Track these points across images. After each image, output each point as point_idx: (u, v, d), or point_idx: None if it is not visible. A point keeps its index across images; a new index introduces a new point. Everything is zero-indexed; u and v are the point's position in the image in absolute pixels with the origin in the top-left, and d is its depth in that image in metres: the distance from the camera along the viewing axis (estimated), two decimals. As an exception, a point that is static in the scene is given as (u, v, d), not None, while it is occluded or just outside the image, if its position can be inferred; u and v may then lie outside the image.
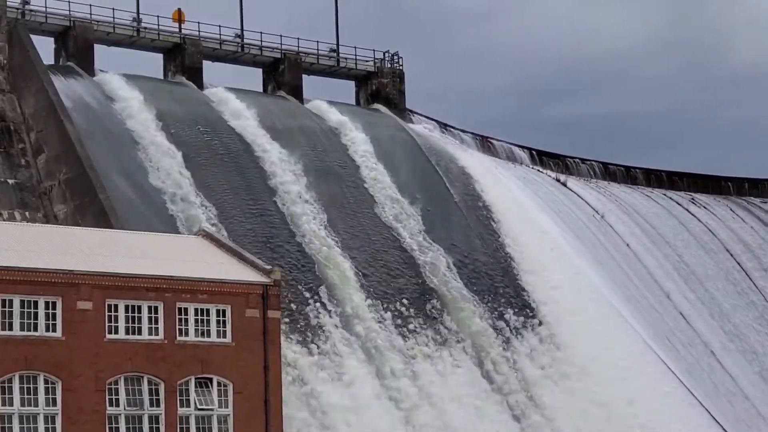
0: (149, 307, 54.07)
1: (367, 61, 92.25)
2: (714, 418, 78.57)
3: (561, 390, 74.12)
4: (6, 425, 50.35)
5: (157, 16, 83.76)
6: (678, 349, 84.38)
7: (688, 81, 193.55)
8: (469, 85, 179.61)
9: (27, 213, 68.09)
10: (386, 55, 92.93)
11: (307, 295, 70.38)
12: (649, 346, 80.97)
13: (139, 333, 53.76)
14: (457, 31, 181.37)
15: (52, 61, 78.79)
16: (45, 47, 78.39)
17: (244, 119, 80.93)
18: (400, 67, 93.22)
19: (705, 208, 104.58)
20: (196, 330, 55.03)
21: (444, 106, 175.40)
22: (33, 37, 76.31)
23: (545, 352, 76.00)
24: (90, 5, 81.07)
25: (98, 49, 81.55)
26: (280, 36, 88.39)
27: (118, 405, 52.74)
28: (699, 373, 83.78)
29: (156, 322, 54.12)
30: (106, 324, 53.00)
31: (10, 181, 69.20)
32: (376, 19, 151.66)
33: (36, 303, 51.71)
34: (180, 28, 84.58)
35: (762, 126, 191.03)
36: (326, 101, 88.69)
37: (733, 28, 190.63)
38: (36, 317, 51.64)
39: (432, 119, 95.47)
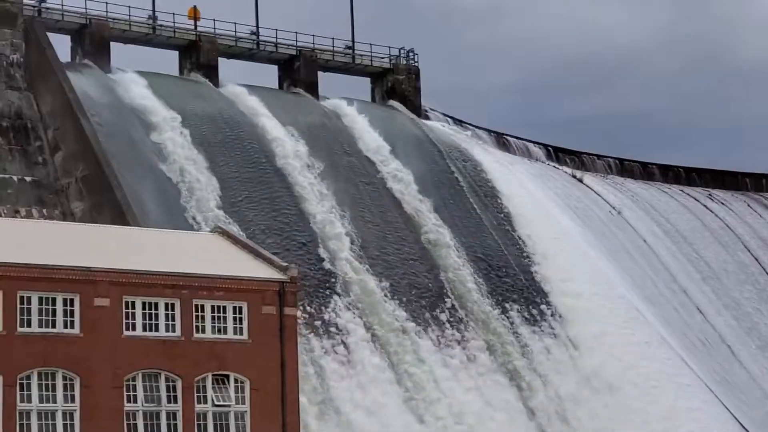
0: (166, 304, 54.19)
1: (382, 58, 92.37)
2: (729, 411, 78.77)
3: (571, 378, 74.35)
4: (24, 422, 50.60)
5: (173, 14, 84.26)
6: (695, 345, 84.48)
7: (695, 77, 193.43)
8: (476, 83, 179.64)
9: (44, 210, 68.34)
10: (401, 51, 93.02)
11: (324, 290, 70.63)
12: (666, 341, 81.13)
13: (156, 330, 53.91)
14: (464, 29, 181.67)
15: (68, 59, 79.01)
16: (61, 45, 78.81)
17: (259, 116, 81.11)
18: (416, 64, 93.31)
19: (722, 204, 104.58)
20: (213, 327, 55.14)
21: (452, 103, 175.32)
22: (49, 35, 76.58)
23: (560, 345, 76.16)
24: (106, 3, 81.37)
25: (114, 46, 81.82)
26: (296, 33, 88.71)
27: (135, 401, 52.86)
28: (716, 368, 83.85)
29: (173, 319, 54.25)
30: (124, 321, 53.09)
31: (28, 179, 69.48)
32: (385, 18, 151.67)
33: (54, 300, 51.91)
34: (195, 26, 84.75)
35: (763, 127, 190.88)
36: (342, 98, 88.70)
37: (740, 25, 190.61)
38: (54, 314, 51.81)
39: (447, 116, 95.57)
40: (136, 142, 74.03)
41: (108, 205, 67.51)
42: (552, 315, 78.01)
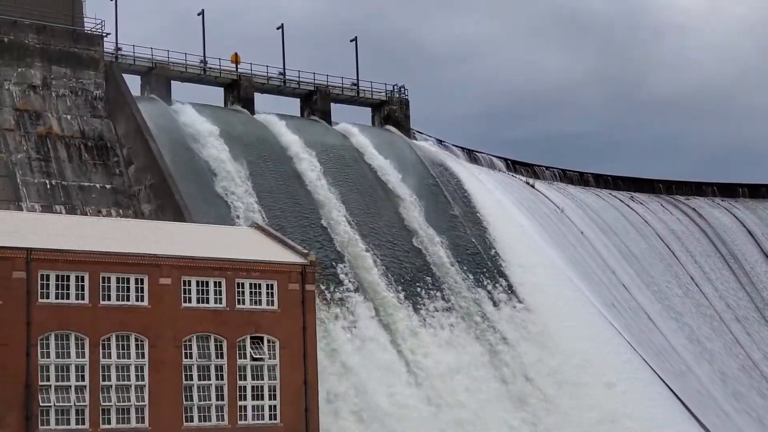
0: (214, 282, 54.13)
1: (380, 92, 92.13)
2: (648, 363, 78.57)
3: (530, 342, 74.03)
4: (105, 373, 50.54)
5: (219, 59, 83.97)
6: (622, 314, 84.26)
7: (616, 106, 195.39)
8: (452, 111, 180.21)
9: (120, 211, 68.22)
10: (395, 87, 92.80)
11: (336, 272, 70.47)
12: (599, 310, 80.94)
13: (207, 302, 53.84)
14: (441, 69, 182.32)
15: (138, 94, 78.83)
16: (133, 83, 78.63)
17: (286, 137, 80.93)
18: (406, 97, 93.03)
19: (642, 204, 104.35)
20: (251, 300, 55.07)
21: (434, 127, 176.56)
22: (124, 75, 76.49)
23: (518, 313, 75.89)
24: (168, 51, 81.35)
25: (174, 84, 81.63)
26: (314, 73, 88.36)
27: (191, 357, 52.87)
28: (637, 331, 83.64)
29: (220, 294, 54.19)
30: (182, 295, 53.17)
31: (108, 186, 69.36)
32: (382, 60, 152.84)
33: (128, 279, 51.87)
34: (237, 68, 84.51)
35: (673, 141, 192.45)
36: (350, 123, 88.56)
37: (649, 67, 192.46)
38: (128, 290, 51.82)
39: (431, 137, 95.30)
40: (191, 158, 73.83)
41: (169, 206, 67.36)
42: (510, 288, 77.69)
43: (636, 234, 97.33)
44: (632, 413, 72.06)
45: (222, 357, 53.62)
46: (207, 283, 53.90)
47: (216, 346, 53.63)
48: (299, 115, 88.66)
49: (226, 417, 53.34)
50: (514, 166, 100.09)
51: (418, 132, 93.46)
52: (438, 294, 73.76)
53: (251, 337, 54.55)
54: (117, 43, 78.42)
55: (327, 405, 59.73)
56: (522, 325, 74.87)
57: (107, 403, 50.32)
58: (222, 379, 53.45)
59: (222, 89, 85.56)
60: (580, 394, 71.67)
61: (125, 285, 51.68)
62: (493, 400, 68.51)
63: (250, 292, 55.04)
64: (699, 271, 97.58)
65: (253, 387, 54.34)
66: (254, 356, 54.30)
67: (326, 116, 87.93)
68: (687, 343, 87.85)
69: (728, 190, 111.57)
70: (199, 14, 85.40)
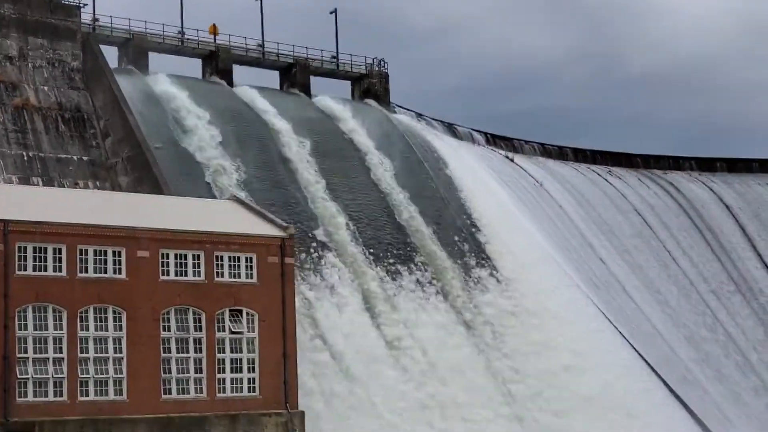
0: (193, 255, 54.06)
1: (359, 65, 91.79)
2: (622, 334, 79.09)
3: (505, 312, 74.41)
4: (83, 345, 50.48)
5: (197, 30, 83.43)
6: (597, 285, 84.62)
7: (598, 83, 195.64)
8: (432, 85, 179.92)
9: (98, 183, 67.93)
10: (375, 60, 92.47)
11: (315, 245, 70.42)
12: (576, 282, 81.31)
13: (186, 275, 53.79)
14: (422, 44, 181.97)
15: (116, 65, 78.35)
16: (111, 54, 78.09)
17: (266, 110, 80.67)
18: (386, 70, 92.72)
19: (620, 178, 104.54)
20: (230, 273, 55.03)
21: (414, 101, 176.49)
22: (101, 46, 76.00)
23: (495, 284, 76.12)
24: (145, 22, 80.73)
25: (151, 55, 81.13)
26: (293, 46, 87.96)
27: (169, 330, 52.90)
28: (612, 302, 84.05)
29: (199, 266, 54.15)
30: (160, 268, 53.10)
31: (85, 158, 69.03)
32: (363, 32, 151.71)
33: (106, 252, 51.75)
34: (215, 39, 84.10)
35: (651, 116, 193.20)
36: (330, 96, 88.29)
37: (631, 44, 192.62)
38: (106, 263, 51.72)
39: (410, 110, 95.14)
40: (168, 130, 73.53)
41: (147, 179, 67.08)
42: (487, 259, 77.85)
43: (614, 208, 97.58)
44: (599, 373, 73.01)
45: (201, 330, 53.63)
46: (185, 255, 53.79)
47: (194, 319, 53.60)
48: (278, 88, 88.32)
49: (204, 390, 53.42)
50: (494, 140, 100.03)
51: (397, 106, 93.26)
52: (416, 265, 73.82)
53: (230, 310, 54.55)
54: (94, 14, 77.78)
55: (305, 377, 59.72)
56: (498, 295, 75.15)
57: (85, 375, 50.29)
58: (200, 352, 53.48)
59: (200, 61, 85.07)
60: (550, 357, 72.35)
61: (103, 257, 51.56)
62: (466, 366, 68.92)
63: (229, 265, 54.99)
64: (676, 245, 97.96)
65: (231, 360, 54.36)
66: (233, 330, 54.28)
67: (306, 89, 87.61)
68: (662, 316, 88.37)
69: (706, 165, 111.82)
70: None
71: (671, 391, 77.82)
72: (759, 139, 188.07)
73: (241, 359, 54.59)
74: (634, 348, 78.98)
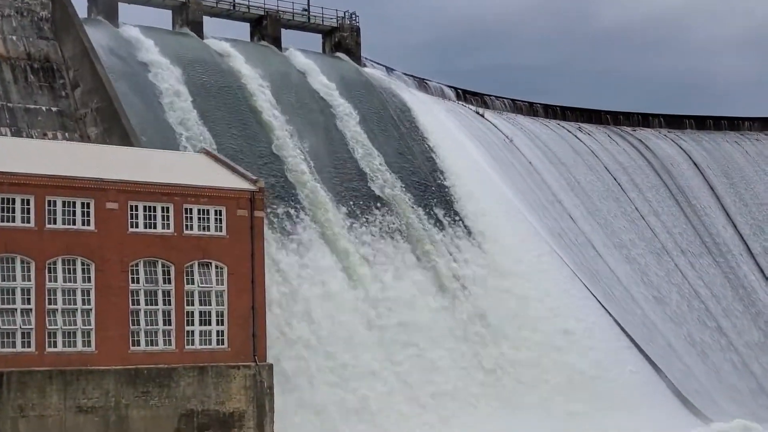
0: (162, 208, 53.89)
1: (331, 18, 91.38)
2: (592, 293, 79.76)
3: (474, 264, 74.90)
4: (51, 297, 50.39)
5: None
6: (567, 244, 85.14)
7: (565, 38, 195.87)
8: (403, 40, 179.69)
9: (66, 134, 67.46)
10: (346, 14, 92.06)
11: (283, 196, 70.41)
12: (545, 238, 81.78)
13: (155, 227, 53.64)
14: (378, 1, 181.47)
15: (85, 16, 77.60)
16: (80, 4, 77.27)
17: (236, 62, 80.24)
18: (357, 24, 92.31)
19: (589, 134, 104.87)
20: (199, 225, 54.93)
21: (385, 56, 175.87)
22: (71, -4, 75.36)
23: (462, 237, 76.45)
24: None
25: (121, 6, 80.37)
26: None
27: (138, 282, 52.81)
28: (583, 260, 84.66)
29: (168, 219, 54.00)
30: (129, 220, 52.92)
31: (54, 109, 68.49)
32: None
33: (74, 203, 51.51)
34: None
35: (620, 73, 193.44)
36: (299, 49, 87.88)
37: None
38: (74, 214, 51.51)
39: (381, 65, 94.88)
40: (138, 81, 73.03)
41: (116, 130, 66.68)
42: (457, 214, 78.23)
43: (583, 165, 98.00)
44: (570, 328, 74.15)
45: (170, 282, 53.59)
46: (154, 208, 53.62)
47: (164, 271, 53.55)
48: (249, 40, 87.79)
49: (173, 342, 53.49)
50: (464, 96, 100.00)
51: (368, 60, 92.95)
52: (385, 219, 74.00)
53: (199, 263, 54.51)
54: (63, -37, 77.04)
55: (274, 329, 60.03)
56: (467, 249, 75.61)
57: (53, 327, 50.25)
58: (169, 304, 53.48)
59: (170, 12, 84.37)
60: (518, 311, 73.20)
61: (71, 209, 51.33)
62: (437, 318, 69.79)
63: (199, 218, 54.89)
64: (644, 203, 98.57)
65: (200, 312, 54.42)
66: (201, 283, 54.33)
67: (276, 42, 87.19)
68: (631, 273, 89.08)
69: (675, 122, 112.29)
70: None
71: (633, 342, 78.83)
72: (727, 96, 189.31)
73: (210, 312, 54.67)
74: (602, 304, 79.73)
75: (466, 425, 64.19)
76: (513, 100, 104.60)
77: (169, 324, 53.43)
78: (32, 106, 67.74)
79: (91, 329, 51.27)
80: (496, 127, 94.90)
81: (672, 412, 73.77)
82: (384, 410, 62.88)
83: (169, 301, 53.46)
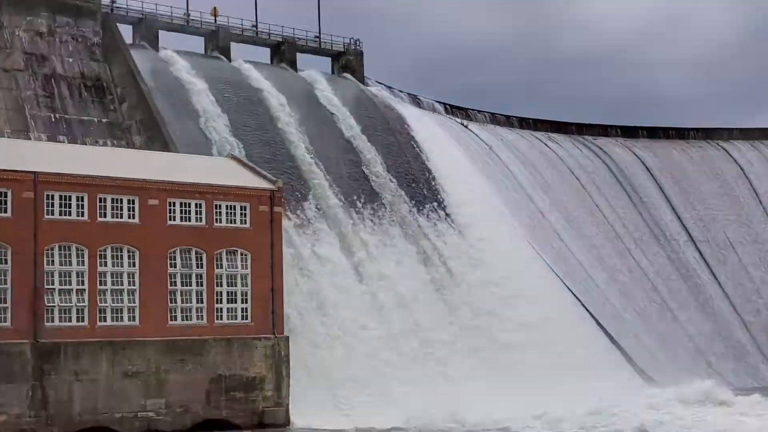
0: (196, 204, 53.96)
1: (338, 44, 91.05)
2: (555, 273, 79.76)
3: (460, 252, 74.77)
4: (102, 279, 50.37)
5: (200, 12, 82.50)
6: (537, 236, 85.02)
7: (535, 62, 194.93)
8: (399, 63, 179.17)
9: (114, 141, 67.33)
10: (351, 40, 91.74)
11: (298, 194, 70.32)
12: (517, 229, 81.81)
13: (190, 220, 53.74)
14: (390, 27, 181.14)
15: (130, 41, 77.39)
16: (126, 32, 77.09)
17: (259, 81, 79.91)
18: (361, 49, 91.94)
19: (556, 142, 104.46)
20: (227, 219, 54.99)
21: (384, 76, 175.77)
22: (118, 24, 74.99)
23: (448, 226, 76.45)
24: (156, 4, 79.53)
25: (161, 33, 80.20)
26: (282, 26, 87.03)
27: (175, 267, 52.89)
28: (549, 246, 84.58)
29: (201, 213, 54.06)
30: (168, 214, 52.95)
31: (104, 120, 68.38)
32: (341, 14, 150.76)
33: (121, 200, 51.56)
34: (215, 20, 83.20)
35: (583, 90, 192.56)
36: (313, 70, 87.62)
37: (563, 28, 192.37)
38: (121, 209, 51.54)
39: (381, 83, 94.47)
40: (175, 97, 72.82)
41: (157, 138, 66.61)
42: (442, 205, 78.13)
43: (551, 167, 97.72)
44: (534, 296, 73.89)
45: (202, 267, 53.65)
46: (189, 204, 53.65)
47: (197, 257, 53.59)
48: (269, 63, 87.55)
49: (204, 317, 53.57)
50: (451, 110, 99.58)
51: (370, 79, 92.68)
52: (384, 212, 74.04)
53: (227, 250, 54.58)
54: (112, -3, 76.98)
55: (289, 307, 59.91)
56: (450, 234, 75.52)
57: (103, 304, 50.28)
58: (202, 285, 53.52)
59: (203, 39, 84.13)
60: (491, 287, 73.07)
61: (119, 205, 51.37)
62: (422, 288, 69.90)
63: (226, 213, 54.91)
64: (602, 199, 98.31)
65: (228, 292, 54.46)
66: (229, 267, 54.38)
67: (293, 64, 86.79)
68: (590, 257, 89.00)
69: (630, 132, 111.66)
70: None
71: (591, 314, 78.91)
72: (675, 109, 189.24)
73: (236, 292, 54.68)
74: (562, 280, 79.94)
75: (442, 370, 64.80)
76: (492, 113, 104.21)
77: (202, 302, 53.47)
78: (85, 118, 67.62)
79: (136, 306, 51.30)
80: (478, 136, 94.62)
81: (619, 376, 73.68)
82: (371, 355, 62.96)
83: (202, 282, 53.49)
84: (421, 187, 78.68)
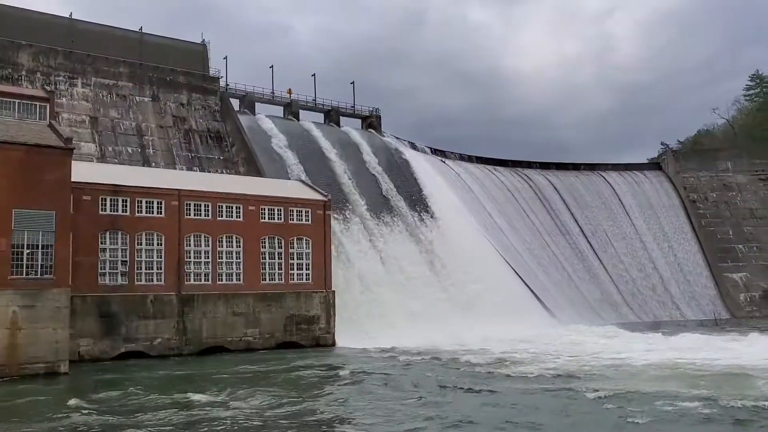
0: (277, 209, 54.06)
1: (365, 111, 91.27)
2: (503, 256, 79.10)
3: (441, 240, 74.44)
4: (220, 254, 50.26)
5: (281, 91, 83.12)
6: (491, 231, 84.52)
7: (487, 123, 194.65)
8: (404, 122, 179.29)
9: (227, 171, 67.64)
10: (373, 108, 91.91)
11: (341, 204, 70.31)
12: (477, 227, 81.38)
13: (274, 219, 53.78)
14: (397, 100, 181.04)
15: (238, 109, 77.84)
16: (234, 103, 77.52)
17: (316, 134, 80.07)
18: (379, 114, 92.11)
19: (500, 173, 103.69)
20: (297, 218, 55.06)
21: (394, 130, 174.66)
22: (230, 99, 75.46)
23: (434, 227, 76.28)
24: (253, 86, 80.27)
25: (257, 105, 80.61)
26: (331, 100, 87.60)
27: (265, 248, 52.95)
28: (496, 239, 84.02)
29: (281, 215, 54.17)
30: (260, 215, 53.07)
31: (221, 158, 68.72)
32: (366, 90, 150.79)
33: (231, 207, 51.52)
34: (290, 96, 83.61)
35: (517, 138, 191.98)
36: (350, 128, 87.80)
37: (505, 101, 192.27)
38: (231, 212, 51.64)
39: (393, 135, 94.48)
40: (265, 143, 73.07)
41: (254, 170, 66.89)
42: (429, 213, 77.88)
43: (497, 189, 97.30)
44: (487, 268, 73.34)
45: (281, 247, 53.73)
46: (273, 209, 53.87)
47: (278, 242, 53.71)
48: (323, 122, 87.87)
49: (283, 278, 53.65)
50: (435, 152, 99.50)
51: (385, 132, 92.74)
52: (394, 216, 74.05)
53: (297, 237, 54.66)
54: (227, 81, 77.35)
55: (335, 274, 59.91)
56: (436, 230, 75.44)
57: (221, 270, 50.43)
58: (281, 259, 53.59)
59: (282, 107, 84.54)
60: (459, 263, 72.42)
61: (230, 209, 51.59)
62: (417, 263, 69.21)
63: (297, 214, 55.05)
64: (530, 210, 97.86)
65: (297, 264, 54.51)
66: (299, 248, 54.28)
67: (337, 123, 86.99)
68: (521, 246, 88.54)
69: (545, 166, 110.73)
70: (270, 67, 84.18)
71: (523, 280, 78.36)
72: (573, 150, 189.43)
73: (302, 263, 54.78)
74: (504, 257, 79.38)
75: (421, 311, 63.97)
76: (460, 154, 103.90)
77: (281, 269, 53.51)
78: (210, 156, 68.02)
79: (240, 272, 51.46)
80: (452, 169, 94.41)
81: (541, 318, 73.40)
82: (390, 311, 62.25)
83: (282, 257, 53.57)
84: (416, 200, 78.79)
